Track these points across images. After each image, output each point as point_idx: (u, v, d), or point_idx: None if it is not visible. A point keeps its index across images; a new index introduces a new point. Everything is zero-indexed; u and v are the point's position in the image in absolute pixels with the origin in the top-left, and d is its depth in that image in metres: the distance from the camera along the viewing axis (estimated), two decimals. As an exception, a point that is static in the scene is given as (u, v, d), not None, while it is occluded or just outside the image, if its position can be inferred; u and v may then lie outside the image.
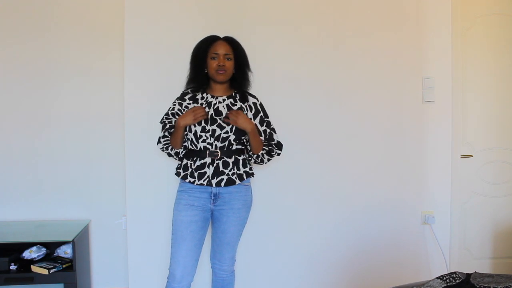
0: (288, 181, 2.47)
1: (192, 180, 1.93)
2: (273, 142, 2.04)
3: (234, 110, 1.95)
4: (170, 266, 1.96)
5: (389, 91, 2.54)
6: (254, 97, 2.07)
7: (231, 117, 1.90)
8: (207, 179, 1.92)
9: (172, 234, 1.96)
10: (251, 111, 2.02)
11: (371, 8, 2.50)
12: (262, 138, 2.03)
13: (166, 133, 2.04)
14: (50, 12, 2.57)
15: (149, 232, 2.36)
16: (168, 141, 2.04)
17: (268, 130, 2.05)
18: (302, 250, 2.51)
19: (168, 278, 1.96)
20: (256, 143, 1.98)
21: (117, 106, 2.59)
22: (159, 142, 2.07)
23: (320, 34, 2.46)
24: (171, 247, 1.95)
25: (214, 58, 1.94)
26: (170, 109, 2.03)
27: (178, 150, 2.05)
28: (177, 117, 2.00)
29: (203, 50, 1.97)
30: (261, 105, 2.07)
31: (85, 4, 2.60)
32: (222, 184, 1.93)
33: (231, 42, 2.00)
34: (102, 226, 2.67)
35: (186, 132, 1.99)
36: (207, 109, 1.95)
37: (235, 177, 1.95)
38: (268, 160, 2.08)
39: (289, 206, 2.48)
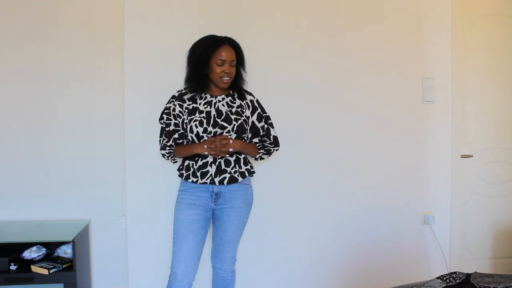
0: (287, 182, 2.47)
1: (195, 179, 1.93)
2: (270, 140, 2.06)
3: (219, 139, 1.88)
4: (172, 265, 1.96)
5: (389, 91, 2.55)
6: (250, 94, 2.08)
7: (221, 150, 1.87)
8: (210, 177, 1.92)
9: (174, 234, 1.96)
10: (249, 109, 2.03)
11: (371, 7, 2.51)
12: (256, 140, 2.05)
13: (173, 143, 2.01)
14: (54, 16, 2.56)
15: (149, 232, 2.36)
16: (173, 151, 2.04)
17: (266, 126, 2.06)
18: (302, 250, 2.51)
19: (169, 277, 1.97)
20: (250, 152, 2.02)
21: (117, 106, 2.58)
22: (162, 148, 2.04)
23: (319, 33, 2.46)
24: (173, 246, 1.95)
25: (219, 65, 1.91)
26: (172, 109, 1.99)
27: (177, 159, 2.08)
28: (178, 119, 1.98)
29: (208, 53, 1.90)
30: (257, 101, 2.08)
31: (86, 7, 2.59)
32: (225, 182, 1.93)
33: (236, 47, 1.97)
34: (102, 226, 2.66)
35: (186, 133, 1.98)
36: (208, 109, 1.95)
37: (237, 175, 1.96)
38: (269, 156, 2.11)
39: (289, 206, 2.48)
